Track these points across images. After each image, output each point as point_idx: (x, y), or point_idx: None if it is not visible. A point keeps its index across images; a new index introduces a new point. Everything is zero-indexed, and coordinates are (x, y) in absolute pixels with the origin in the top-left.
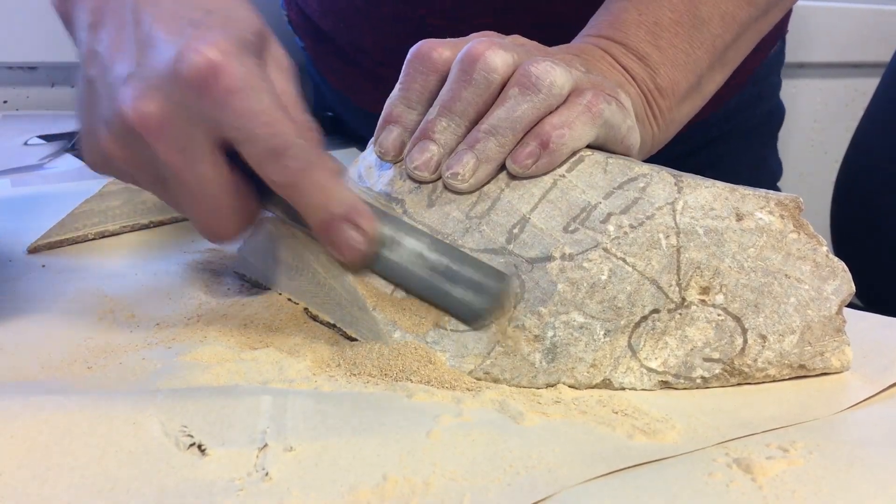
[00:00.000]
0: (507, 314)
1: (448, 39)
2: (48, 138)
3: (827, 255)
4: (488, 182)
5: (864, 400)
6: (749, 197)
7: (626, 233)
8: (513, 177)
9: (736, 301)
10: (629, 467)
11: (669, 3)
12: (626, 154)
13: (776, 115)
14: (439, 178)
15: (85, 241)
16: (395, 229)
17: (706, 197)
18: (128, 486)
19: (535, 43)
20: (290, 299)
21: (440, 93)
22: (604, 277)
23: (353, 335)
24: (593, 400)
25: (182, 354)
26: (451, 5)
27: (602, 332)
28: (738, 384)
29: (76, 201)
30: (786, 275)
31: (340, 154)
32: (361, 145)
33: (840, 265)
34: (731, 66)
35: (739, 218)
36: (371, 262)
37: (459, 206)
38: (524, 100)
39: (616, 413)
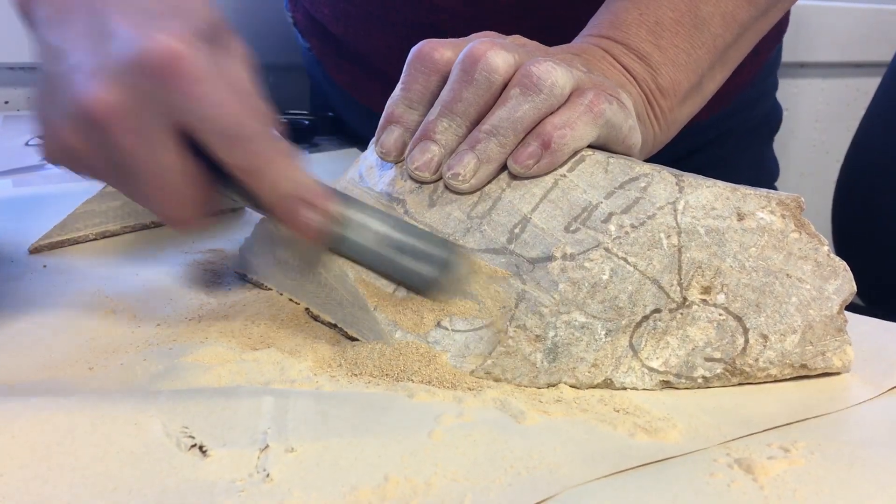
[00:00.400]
0: (458, 282)
1: (449, 40)
2: None
3: (828, 255)
4: (489, 182)
5: (864, 402)
6: (750, 196)
7: (627, 232)
8: (514, 177)
9: (737, 301)
10: (631, 468)
11: (670, 3)
12: (627, 154)
13: (773, 115)
14: (440, 178)
15: (86, 241)
16: (349, 207)
17: (707, 196)
18: (129, 486)
19: (536, 43)
20: (291, 299)
21: (441, 93)
22: (605, 277)
23: (355, 335)
24: (594, 399)
25: (183, 355)
26: (467, 11)
27: (603, 332)
28: (740, 384)
29: (77, 202)
30: (787, 274)
31: (341, 154)
32: (362, 146)
33: (841, 264)
34: (732, 66)
35: (741, 217)
36: (330, 240)
37: (461, 207)
38: (525, 100)
39: (617, 411)
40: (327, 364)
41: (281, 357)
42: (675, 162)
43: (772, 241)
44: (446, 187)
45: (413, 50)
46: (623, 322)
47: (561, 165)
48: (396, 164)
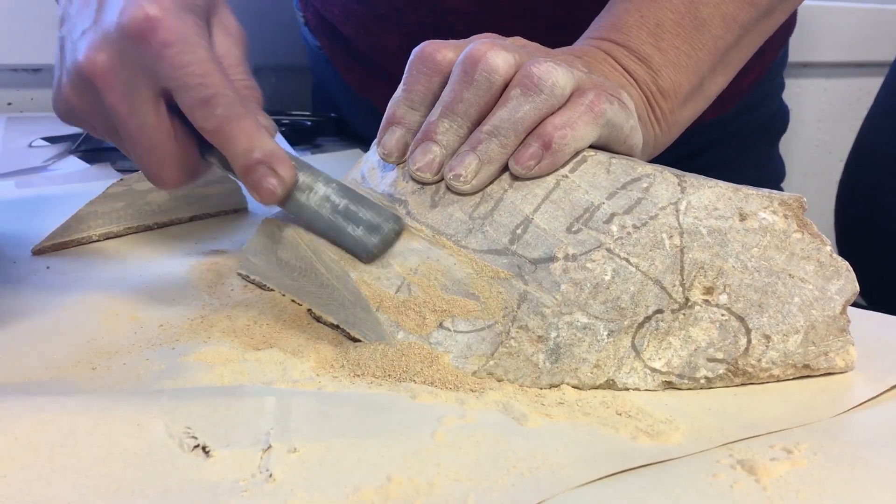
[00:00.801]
0: (388, 248)
1: (451, 41)
2: (52, 140)
3: (831, 255)
4: (491, 183)
5: (868, 399)
6: (752, 197)
7: (629, 233)
8: (516, 177)
9: (740, 301)
10: (633, 468)
11: (670, 5)
12: (628, 154)
13: (780, 116)
14: (442, 179)
15: (89, 242)
16: (309, 175)
17: (709, 197)
18: (132, 487)
19: (536, 44)
20: (293, 300)
21: (442, 94)
22: (607, 278)
23: (357, 336)
24: (597, 401)
25: (186, 355)
26: (478, 12)
27: (605, 333)
28: (742, 384)
29: (80, 203)
30: (790, 274)
31: (344, 155)
32: (365, 146)
33: (844, 265)
34: (735, 68)
35: (743, 218)
36: (286, 204)
37: (462, 207)
38: (526, 100)
39: (620, 414)
40: (330, 365)
41: (283, 357)
42: (680, 161)
43: (774, 241)
44: (448, 188)
45: (415, 51)
46: (625, 323)
47: (562, 166)
48: (398, 165)
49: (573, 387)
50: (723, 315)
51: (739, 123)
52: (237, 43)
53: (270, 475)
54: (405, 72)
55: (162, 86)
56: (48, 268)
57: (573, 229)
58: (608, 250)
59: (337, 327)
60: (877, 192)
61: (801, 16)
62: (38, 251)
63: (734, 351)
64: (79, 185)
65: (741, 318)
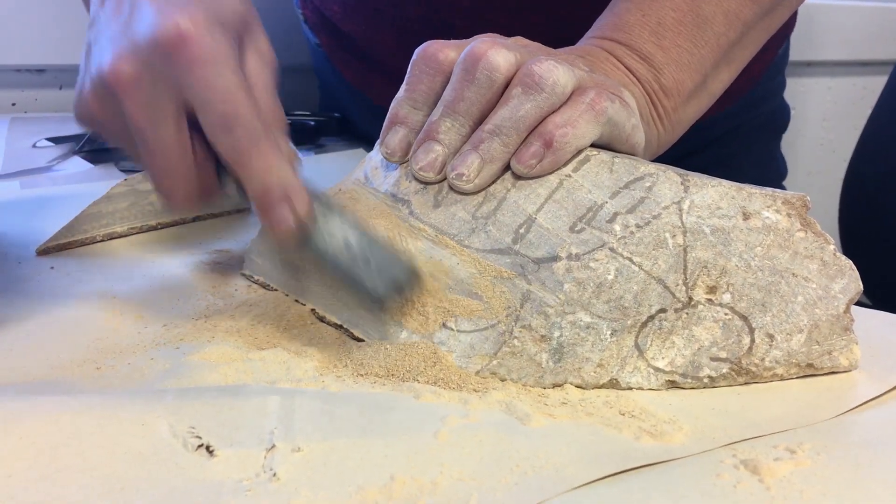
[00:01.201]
0: (406, 303)
1: (453, 41)
2: (56, 141)
3: (834, 254)
4: (493, 182)
5: (872, 398)
6: (756, 196)
7: (632, 232)
8: (518, 177)
9: (743, 300)
10: (637, 467)
11: (672, 3)
12: (631, 153)
13: (781, 114)
14: (445, 178)
15: (93, 242)
16: (326, 214)
17: (713, 196)
18: (136, 486)
19: (537, 44)
20: (297, 300)
21: (444, 93)
22: (610, 277)
23: (360, 336)
24: (600, 401)
25: (190, 354)
26: (474, 7)
27: (609, 332)
28: (746, 383)
29: (84, 203)
30: (793, 273)
31: (347, 155)
32: (368, 146)
33: (848, 263)
34: (739, 65)
35: (746, 217)
36: (300, 242)
37: (465, 207)
38: (527, 99)
39: (623, 415)
40: (333, 364)
41: (287, 357)
42: (681, 159)
43: (777, 240)
44: (451, 188)
45: (417, 50)
46: (628, 322)
47: (565, 165)
48: (401, 164)
49: (576, 386)
50: (726, 314)
51: (740, 122)
52: (268, 66)
53: (274, 474)
54: (408, 71)
55: (185, 102)
56: (52, 268)
57: (576, 229)
58: (611, 249)
59: (340, 327)
60: (881, 191)
61: (805, 14)
62: (43, 251)
63: (738, 350)
64: (83, 185)
65: (744, 318)
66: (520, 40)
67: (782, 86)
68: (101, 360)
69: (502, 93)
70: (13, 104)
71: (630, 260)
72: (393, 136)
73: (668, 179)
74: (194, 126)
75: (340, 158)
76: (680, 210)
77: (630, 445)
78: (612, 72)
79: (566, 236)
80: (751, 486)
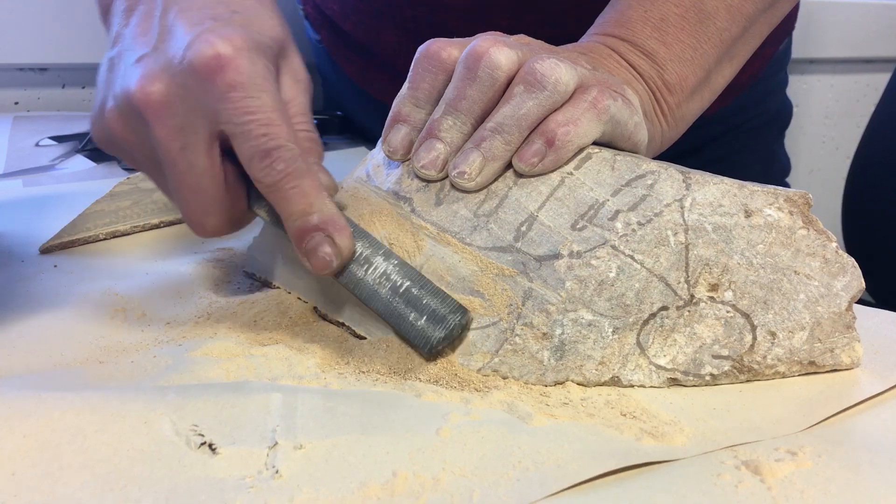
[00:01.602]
0: (455, 346)
1: (457, 39)
2: (59, 139)
3: (836, 252)
4: (495, 180)
5: (874, 396)
6: (758, 193)
7: (634, 230)
8: (520, 175)
9: (745, 298)
10: (638, 465)
11: None
12: (633, 151)
13: (783, 111)
14: (446, 176)
15: (96, 241)
16: (368, 247)
17: (714, 194)
18: (139, 484)
19: (540, 42)
20: (299, 298)
21: (446, 91)
22: (612, 275)
23: (362, 334)
24: (601, 401)
25: (192, 350)
26: (471, 6)
27: (610, 330)
28: (748, 381)
29: (87, 202)
30: (795, 271)
31: (349, 153)
32: (371, 144)
33: (850, 261)
34: (741, 60)
35: (748, 214)
36: (339, 276)
37: (467, 205)
38: (529, 97)
39: (624, 415)
40: (335, 361)
41: (289, 353)
42: (684, 157)
43: (779, 237)
44: (452, 186)
45: (420, 49)
46: (630, 320)
47: (567, 163)
48: (403, 162)
49: (578, 384)
50: (728, 312)
51: (743, 119)
52: (303, 90)
53: (277, 471)
54: (410, 69)
55: (220, 128)
56: (55, 266)
57: (578, 226)
58: (613, 247)
59: (342, 325)
60: (884, 189)
61: (808, 11)
62: (46, 250)
63: (739, 348)
64: (86, 183)
65: (746, 315)
66: (522, 38)
67: (784, 83)
68: (105, 358)
69: (504, 91)
70: (16, 103)
71: (632, 257)
72: (395, 135)
73: (670, 177)
74: (224, 151)
75: (342, 156)
76: (682, 208)
77: (631, 446)
78: (615, 68)
79: (568, 234)
80: (752, 486)
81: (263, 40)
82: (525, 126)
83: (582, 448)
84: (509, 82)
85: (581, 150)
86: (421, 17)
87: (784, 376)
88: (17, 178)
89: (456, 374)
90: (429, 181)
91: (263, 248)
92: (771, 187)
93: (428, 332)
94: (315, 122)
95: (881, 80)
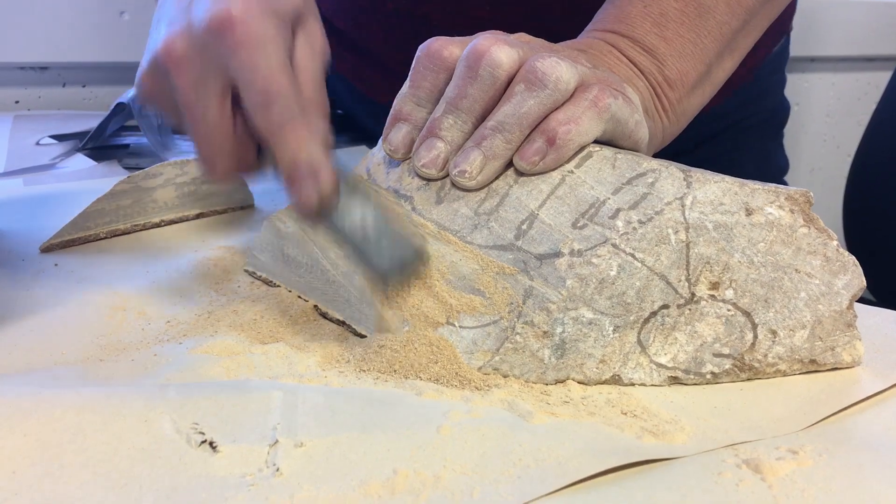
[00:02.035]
0: (410, 282)
1: (458, 38)
2: (60, 138)
3: (837, 250)
4: (496, 179)
5: (875, 394)
6: (759, 191)
7: (634, 228)
8: (521, 173)
9: (746, 296)
10: (639, 464)
11: None
12: (634, 149)
13: (780, 111)
14: (447, 175)
15: (97, 239)
16: (350, 193)
17: (715, 192)
18: (140, 482)
19: (540, 40)
20: (300, 297)
21: (446, 90)
22: (613, 273)
23: (363, 332)
24: (602, 399)
25: (193, 349)
26: (456, 1)
27: (611, 328)
28: (749, 379)
29: (88, 200)
30: (796, 269)
31: (350, 152)
32: (371, 143)
33: (851, 259)
34: (742, 53)
35: (749, 213)
36: (321, 217)
37: (468, 203)
38: (530, 96)
39: (625, 414)
40: (335, 360)
41: (289, 351)
42: (681, 156)
43: (780, 236)
44: (453, 184)
45: (421, 47)
46: (631, 318)
47: (567, 161)
48: (404, 161)
49: (579, 382)
50: (729, 310)
51: (740, 118)
52: (317, 56)
53: (277, 469)
54: (412, 68)
55: (230, 81)
56: (56, 265)
57: (578, 225)
58: (614, 245)
59: (343, 323)
60: (885, 187)
61: (809, 10)
62: (46, 249)
63: (740, 346)
64: (86, 182)
65: (747, 314)
66: (522, 37)
67: (782, 83)
68: (105, 356)
69: (505, 90)
70: (16, 101)
71: (632, 256)
72: (396, 133)
73: (671, 175)
74: (238, 105)
75: (343, 155)
76: (682, 206)
77: (632, 444)
78: (616, 65)
79: (568, 232)
80: (753, 484)
81: (279, 6)
82: (526, 125)
83: (583, 446)
84: (510, 81)
85: (582, 148)
86: (403, 10)
87: (785, 375)
88: (18, 177)
89: (456, 373)
90: (429, 180)
91: (264, 247)
92: (772, 186)
93: (383, 266)
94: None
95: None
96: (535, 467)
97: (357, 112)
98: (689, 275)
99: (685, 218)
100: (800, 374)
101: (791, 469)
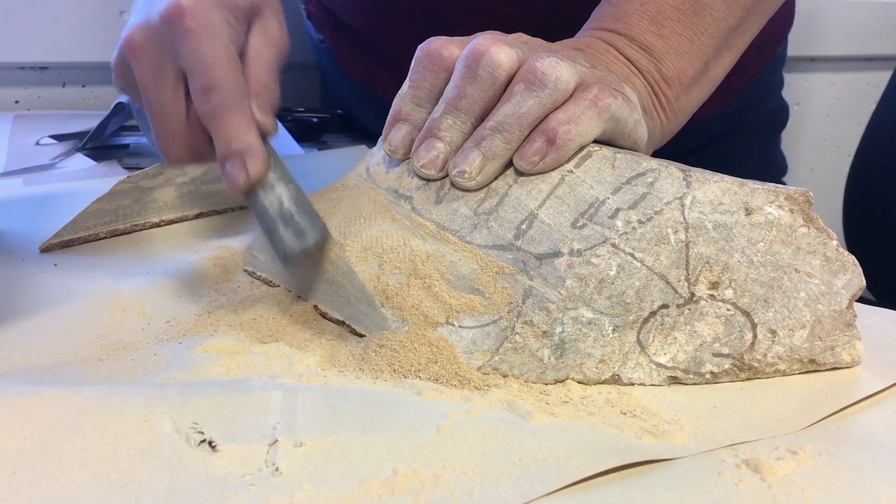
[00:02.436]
0: (309, 259)
1: (457, 38)
2: (60, 138)
3: (837, 249)
4: (495, 179)
5: (874, 394)
6: (758, 191)
7: (634, 228)
8: (520, 173)
9: (745, 296)
10: (639, 464)
11: None
12: (633, 148)
13: (779, 112)
14: (446, 175)
15: (96, 239)
16: (277, 175)
17: (715, 192)
18: (140, 482)
19: (539, 40)
20: (299, 297)
21: (445, 90)
22: (612, 273)
23: (363, 332)
24: (602, 399)
25: (193, 348)
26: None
27: (611, 328)
28: (748, 379)
29: (87, 200)
30: (795, 269)
31: (350, 151)
32: (371, 143)
33: (850, 259)
34: (739, 49)
35: (748, 212)
36: (247, 196)
37: (467, 203)
38: (530, 95)
39: (625, 414)
40: (335, 359)
41: (289, 351)
42: (680, 158)
43: (780, 235)
44: (452, 185)
45: (421, 47)
46: (630, 318)
47: (567, 161)
48: (404, 161)
49: (578, 382)
50: (728, 310)
51: (739, 120)
52: (272, 47)
53: (277, 469)
54: (411, 68)
55: (182, 68)
56: (56, 265)
57: (578, 224)
58: (613, 245)
59: (342, 323)
60: (884, 187)
61: (809, 10)
62: (46, 248)
63: (740, 346)
64: (86, 182)
65: (747, 313)
66: (521, 37)
67: (780, 84)
68: (105, 356)
69: (504, 90)
70: (16, 101)
71: (632, 256)
72: (396, 133)
73: (671, 175)
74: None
75: (343, 155)
76: (682, 206)
77: (632, 444)
78: (613, 64)
79: (568, 232)
80: (753, 484)
81: (233, 1)
82: (525, 125)
83: (582, 446)
84: (509, 81)
85: (581, 148)
86: (419, 9)
87: (784, 374)
88: (18, 177)
89: (456, 373)
90: (429, 180)
91: (263, 246)
92: (771, 185)
93: (287, 242)
94: (315, 120)
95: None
96: (535, 467)
97: (363, 112)
98: (688, 274)
99: (685, 218)
100: (799, 373)
101: (791, 469)
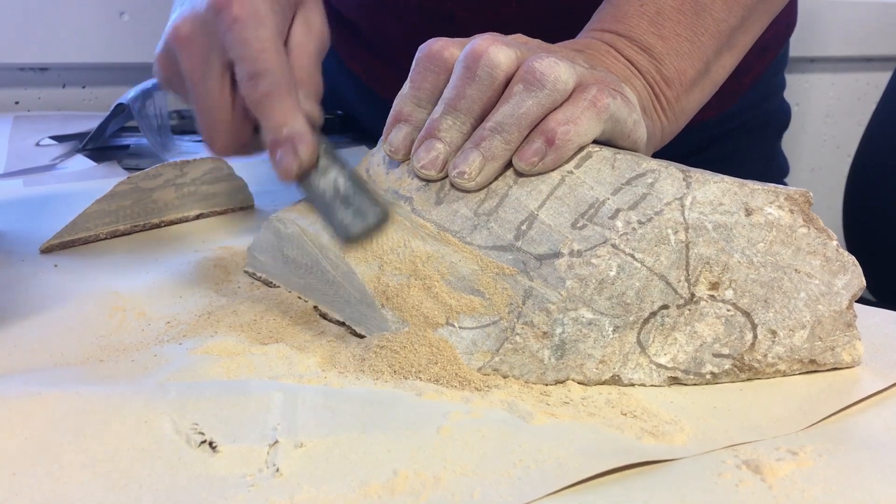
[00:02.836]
0: (370, 241)
1: (458, 39)
2: (60, 139)
3: (837, 250)
4: (495, 179)
5: (874, 394)
6: (758, 192)
7: (634, 229)
8: (520, 173)
9: (745, 296)
10: (639, 464)
11: None
12: (633, 149)
13: (781, 113)
14: (446, 176)
15: (96, 240)
16: (329, 160)
17: (715, 192)
18: (140, 483)
19: (538, 41)
20: (299, 297)
21: (445, 91)
22: (612, 273)
23: (363, 333)
24: (602, 400)
25: (193, 349)
26: None
27: (611, 329)
28: (748, 379)
29: (87, 201)
30: (796, 269)
31: (351, 152)
32: (371, 143)
33: (850, 259)
34: (741, 50)
35: (749, 213)
36: (300, 183)
37: (467, 204)
38: (529, 96)
39: (625, 414)
40: (335, 360)
41: (289, 352)
42: (683, 159)
43: (780, 236)
44: (452, 185)
45: (422, 48)
46: (630, 318)
47: (567, 161)
48: (404, 161)
49: (578, 383)
50: (728, 310)
51: (740, 121)
52: (314, 38)
53: (277, 470)
54: (412, 69)
55: (229, 59)
56: (56, 266)
57: (578, 225)
58: (613, 246)
59: (343, 324)
60: (884, 187)
61: (809, 10)
62: (46, 249)
63: (740, 346)
64: (86, 183)
65: (747, 314)
66: (520, 37)
67: (782, 85)
68: (105, 357)
69: (503, 90)
70: (16, 102)
71: (632, 256)
72: (396, 134)
73: (671, 175)
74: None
75: (343, 155)
76: (682, 206)
77: (632, 445)
78: (613, 65)
79: (568, 233)
80: (753, 485)
81: None
82: (525, 125)
83: (583, 447)
84: (508, 81)
85: (581, 148)
86: (426, 7)
87: (785, 375)
88: (18, 178)
89: (456, 374)
90: (428, 181)
91: (263, 247)
92: (771, 186)
93: (347, 222)
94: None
95: (882, 78)
96: (536, 468)
97: (365, 112)
98: (688, 275)
99: (685, 218)
100: (799, 374)
101: (791, 469)
